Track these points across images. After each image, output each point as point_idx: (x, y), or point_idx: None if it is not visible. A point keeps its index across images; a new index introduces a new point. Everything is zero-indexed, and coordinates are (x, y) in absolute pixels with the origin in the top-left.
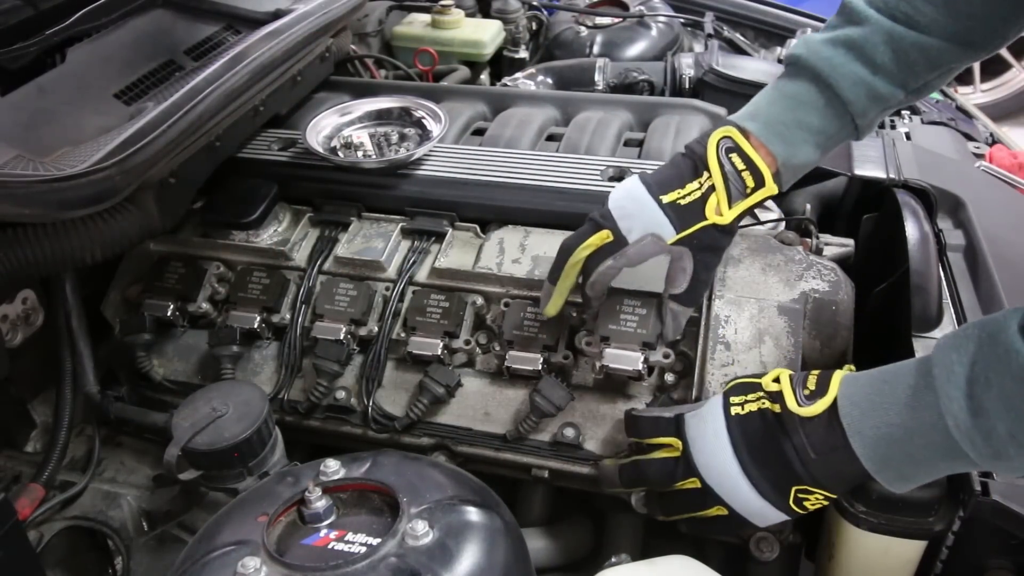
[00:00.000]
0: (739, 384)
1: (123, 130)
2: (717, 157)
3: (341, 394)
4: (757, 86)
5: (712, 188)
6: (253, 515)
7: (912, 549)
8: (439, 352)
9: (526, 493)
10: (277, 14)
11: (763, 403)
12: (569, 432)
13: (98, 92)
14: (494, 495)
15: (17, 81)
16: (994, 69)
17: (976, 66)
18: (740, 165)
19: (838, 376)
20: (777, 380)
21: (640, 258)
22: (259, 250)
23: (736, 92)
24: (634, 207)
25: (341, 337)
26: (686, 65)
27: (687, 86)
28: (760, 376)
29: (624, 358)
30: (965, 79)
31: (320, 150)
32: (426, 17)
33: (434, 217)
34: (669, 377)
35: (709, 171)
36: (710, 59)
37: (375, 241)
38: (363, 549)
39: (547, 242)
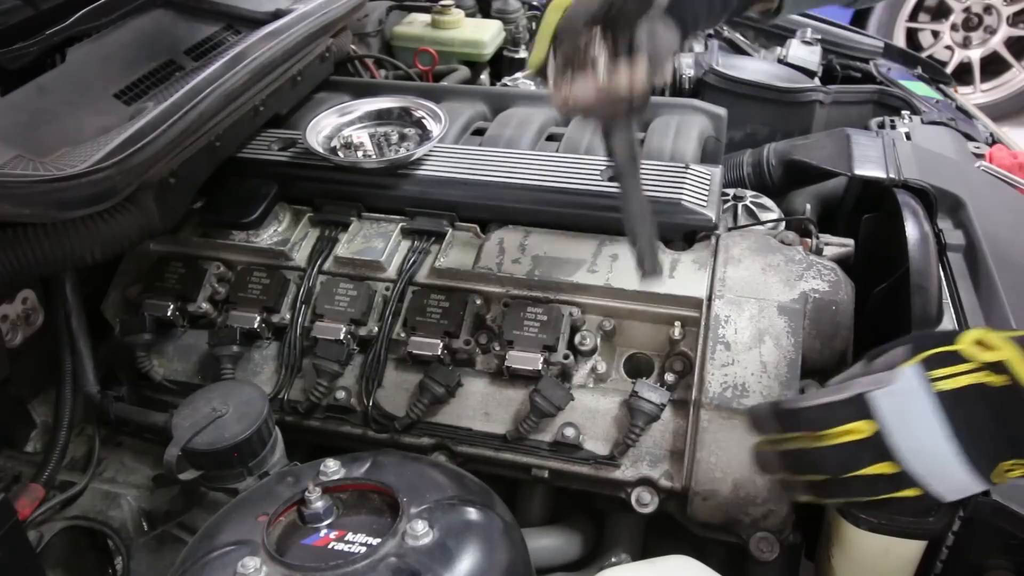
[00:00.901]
0: (936, 356)
1: (123, 130)
2: None
3: (341, 394)
4: (757, 86)
5: None
6: (253, 515)
7: (912, 549)
8: (439, 352)
9: (526, 493)
10: (277, 14)
11: (980, 376)
12: (569, 432)
13: (98, 92)
14: (494, 495)
15: (17, 81)
16: (994, 69)
17: (976, 66)
18: None
19: None
20: (982, 344)
21: None
22: (259, 250)
23: (736, 92)
24: None
25: (341, 337)
26: (686, 65)
27: (687, 86)
28: (952, 339)
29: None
30: (965, 79)
31: (320, 150)
32: (426, 17)
33: (434, 217)
34: (669, 377)
35: None
36: (710, 59)
37: (375, 241)
38: (363, 549)
39: (547, 242)
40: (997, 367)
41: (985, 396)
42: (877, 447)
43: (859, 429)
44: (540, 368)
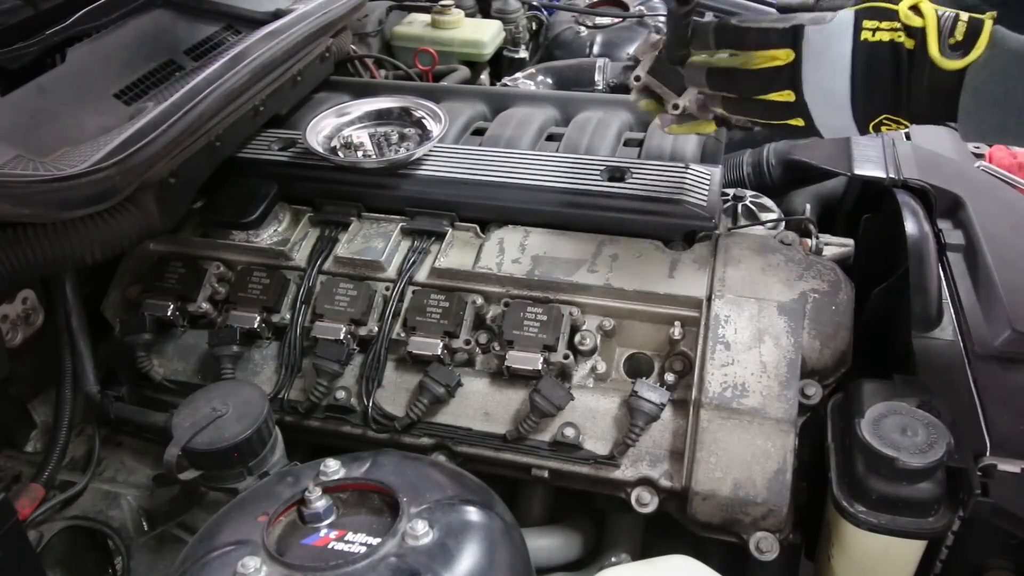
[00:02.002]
0: (873, 8)
1: (123, 130)
2: None
3: (341, 394)
4: None
5: None
6: (253, 515)
7: (912, 549)
8: (439, 352)
9: (526, 493)
10: (277, 14)
11: (898, 36)
12: (569, 432)
13: (98, 92)
14: (494, 495)
15: (17, 81)
16: None
17: None
18: None
19: (988, 32)
20: (918, 11)
21: None
22: (259, 250)
23: None
24: None
25: (341, 337)
26: None
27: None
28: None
29: None
30: None
31: (320, 150)
32: (426, 17)
33: (434, 217)
34: (669, 377)
35: None
36: None
37: (375, 241)
38: (363, 549)
39: (547, 242)
40: (914, 33)
41: (895, 54)
42: (791, 76)
43: (780, 57)
44: (540, 368)
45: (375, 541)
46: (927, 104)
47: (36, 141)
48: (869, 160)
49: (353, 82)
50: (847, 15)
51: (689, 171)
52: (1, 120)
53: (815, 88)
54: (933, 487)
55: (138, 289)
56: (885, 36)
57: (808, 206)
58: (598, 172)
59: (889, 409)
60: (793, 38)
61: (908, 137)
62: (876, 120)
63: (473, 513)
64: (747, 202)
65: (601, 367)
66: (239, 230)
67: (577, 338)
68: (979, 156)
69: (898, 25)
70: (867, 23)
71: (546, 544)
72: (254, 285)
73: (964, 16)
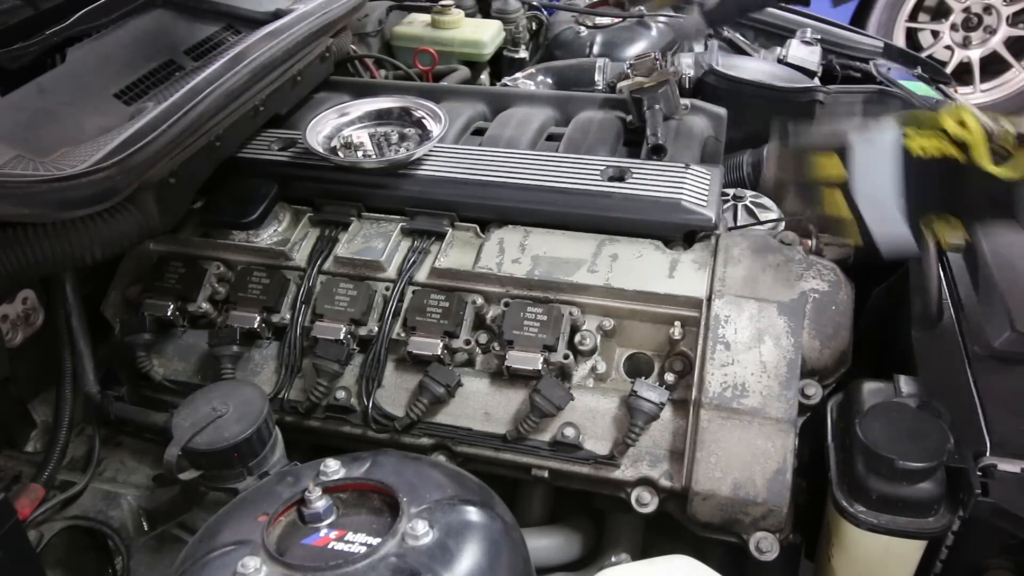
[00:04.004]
0: (916, 116)
1: (123, 130)
2: None
3: (341, 394)
4: (757, 86)
5: None
6: (253, 515)
7: (912, 549)
8: (439, 352)
9: (526, 493)
10: (277, 14)
11: (947, 150)
12: (569, 432)
13: (98, 92)
14: (494, 495)
15: (17, 81)
16: (994, 69)
17: (976, 66)
18: None
19: None
20: (963, 124)
21: None
22: (259, 250)
23: (736, 92)
24: None
25: (341, 337)
26: (686, 65)
27: (687, 86)
28: (934, 111)
29: None
30: (965, 79)
31: (320, 150)
32: (426, 17)
33: (434, 217)
34: (669, 377)
35: None
36: (710, 59)
37: (375, 241)
38: (363, 549)
39: (547, 242)
40: (963, 147)
41: (946, 168)
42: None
43: (833, 163)
44: (540, 368)
45: (375, 541)
46: (987, 206)
47: (36, 141)
48: None
49: (353, 82)
50: (887, 125)
51: (689, 171)
52: (1, 120)
53: (863, 195)
54: (933, 487)
55: (138, 289)
56: (935, 152)
57: None
58: (598, 172)
59: (889, 409)
60: (845, 147)
61: None
62: (926, 220)
63: (473, 513)
64: (747, 202)
65: (601, 367)
66: (239, 230)
67: (577, 338)
68: None
69: (946, 140)
70: (912, 135)
71: (546, 544)
72: (254, 285)
73: (1008, 126)
